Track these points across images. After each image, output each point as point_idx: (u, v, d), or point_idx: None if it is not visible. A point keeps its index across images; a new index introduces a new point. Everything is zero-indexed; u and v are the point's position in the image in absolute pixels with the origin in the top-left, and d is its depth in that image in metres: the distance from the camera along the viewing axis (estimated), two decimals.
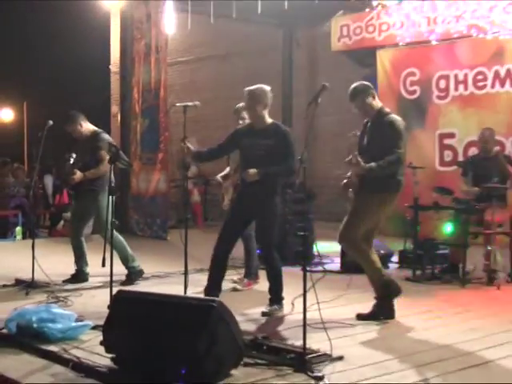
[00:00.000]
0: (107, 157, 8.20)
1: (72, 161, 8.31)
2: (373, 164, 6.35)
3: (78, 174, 8.29)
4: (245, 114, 8.16)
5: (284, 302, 6.87)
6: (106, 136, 8.52)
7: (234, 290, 8.07)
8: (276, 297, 6.91)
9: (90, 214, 8.59)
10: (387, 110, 6.86)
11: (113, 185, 8.22)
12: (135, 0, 13.99)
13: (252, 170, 6.76)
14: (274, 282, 6.96)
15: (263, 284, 7.47)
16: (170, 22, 13.61)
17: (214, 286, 7.00)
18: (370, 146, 6.57)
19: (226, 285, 8.22)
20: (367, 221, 6.67)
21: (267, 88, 7.03)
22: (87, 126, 8.60)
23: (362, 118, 6.93)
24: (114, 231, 8.35)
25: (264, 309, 6.83)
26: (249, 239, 8.18)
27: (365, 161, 6.35)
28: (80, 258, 8.58)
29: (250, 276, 8.29)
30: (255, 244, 8.18)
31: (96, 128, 8.69)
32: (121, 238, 8.44)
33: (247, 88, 7.03)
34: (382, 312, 6.57)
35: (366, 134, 6.72)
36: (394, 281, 6.75)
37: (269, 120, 7.05)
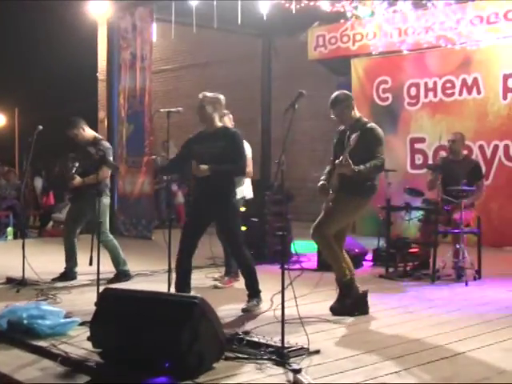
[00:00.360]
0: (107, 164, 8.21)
1: (75, 170, 8.24)
2: (361, 166, 6.32)
3: (77, 180, 8.24)
4: (226, 119, 8.16)
5: (262, 296, 6.84)
6: (106, 143, 8.49)
7: (215, 287, 8.05)
8: (253, 291, 6.89)
9: (86, 217, 8.50)
10: (366, 119, 6.87)
11: (107, 188, 8.26)
12: (121, 11, 13.92)
13: (203, 166, 6.70)
14: (249, 278, 6.95)
15: (243, 282, 7.44)
16: (153, 31, 13.58)
17: (182, 287, 6.89)
18: (352, 153, 6.37)
19: (207, 282, 8.23)
20: (341, 221, 6.69)
21: (222, 96, 7.03)
22: (88, 132, 8.54)
23: (339, 124, 6.92)
24: (110, 235, 8.36)
25: (244, 305, 6.81)
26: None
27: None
28: (71, 259, 8.52)
29: (230, 274, 8.25)
30: None
31: (97, 134, 8.66)
32: (115, 242, 8.43)
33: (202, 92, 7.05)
34: (356, 308, 6.57)
35: (344, 141, 6.61)
36: (355, 286, 6.70)
37: (219, 124, 7.01)
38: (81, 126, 8.45)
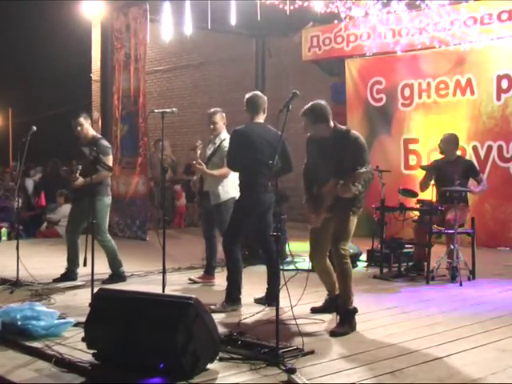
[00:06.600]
0: (109, 163, 8.20)
1: (78, 172, 8.14)
2: (360, 186, 5.98)
3: (80, 181, 8.15)
4: (215, 119, 8.13)
5: (256, 296, 6.83)
6: (104, 142, 8.42)
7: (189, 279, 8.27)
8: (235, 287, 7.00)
9: (87, 217, 8.42)
10: (341, 126, 6.41)
11: (108, 187, 8.24)
12: (115, 11, 13.91)
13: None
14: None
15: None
16: (147, 32, 13.56)
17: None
18: (341, 165, 6.07)
19: (201, 282, 8.23)
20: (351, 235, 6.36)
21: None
22: (90, 131, 8.49)
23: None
24: (109, 236, 8.32)
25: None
26: (210, 239, 8.33)
27: (338, 179, 6.00)
28: (73, 260, 8.43)
29: (209, 272, 8.40)
30: (216, 243, 8.32)
31: (95, 134, 8.63)
32: (114, 243, 8.41)
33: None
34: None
35: (326, 152, 6.23)
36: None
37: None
38: (87, 121, 8.45)
